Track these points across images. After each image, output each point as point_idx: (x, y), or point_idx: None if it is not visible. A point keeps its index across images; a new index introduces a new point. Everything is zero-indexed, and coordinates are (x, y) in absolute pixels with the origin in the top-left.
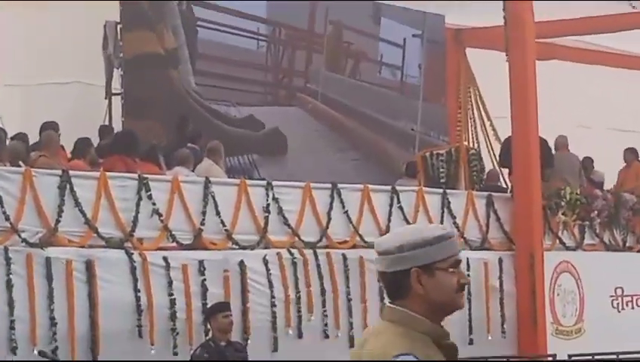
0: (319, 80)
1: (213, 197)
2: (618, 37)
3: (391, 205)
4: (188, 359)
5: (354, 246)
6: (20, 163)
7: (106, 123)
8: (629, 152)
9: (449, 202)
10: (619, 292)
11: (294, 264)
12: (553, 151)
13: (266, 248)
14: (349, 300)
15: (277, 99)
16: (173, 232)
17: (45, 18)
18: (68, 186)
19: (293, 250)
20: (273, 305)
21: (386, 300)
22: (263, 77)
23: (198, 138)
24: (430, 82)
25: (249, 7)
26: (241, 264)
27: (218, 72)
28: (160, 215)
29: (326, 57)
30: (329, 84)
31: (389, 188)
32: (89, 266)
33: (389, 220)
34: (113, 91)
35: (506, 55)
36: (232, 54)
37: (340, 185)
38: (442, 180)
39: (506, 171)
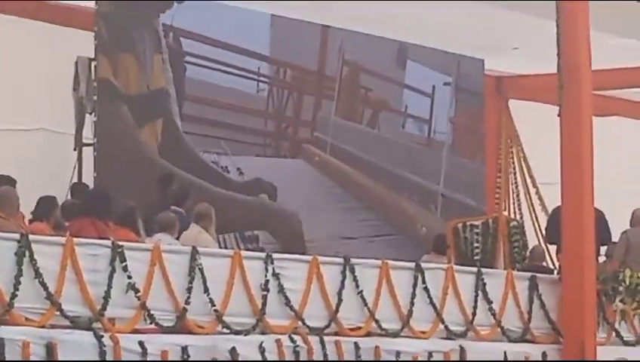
0: (329, 128)
1: (202, 271)
2: None
3: (414, 286)
4: None
5: (369, 334)
6: None
7: (75, 178)
8: None
9: (484, 284)
10: None
11: (296, 353)
12: (628, 226)
13: (263, 333)
14: None
15: (278, 151)
16: (152, 312)
17: (7, 52)
18: (27, 253)
19: (295, 337)
20: None
21: None
22: (263, 126)
23: (185, 199)
24: (463, 139)
25: (249, 42)
26: (233, 352)
27: (209, 117)
28: (137, 291)
29: (339, 105)
30: (340, 133)
31: (412, 265)
32: (50, 350)
33: (412, 303)
34: (84, 141)
35: (559, 109)
36: (227, 97)
37: (353, 261)
38: (477, 257)
39: (553, 248)
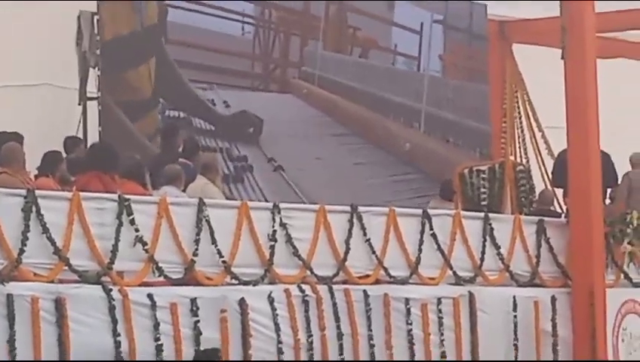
0: (316, 62)
1: (209, 223)
2: None
3: (422, 232)
4: None
5: (377, 282)
6: None
7: (81, 133)
8: None
9: (492, 229)
10: None
11: (306, 302)
12: (629, 168)
13: (271, 283)
14: (372, 346)
15: (267, 89)
16: (160, 264)
17: (8, 9)
18: (34, 209)
19: (304, 286)
20: (280, 352)
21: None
22: (250, 68)
23: (193, 151)
24: (454, 75)
25: None
26: (242, 302)
27: (194, 61)
28: (144, 243)
29: (326, 43)
30: (328, 65)
31: (419, 211)
32: (59, 305)
33: (420, 250)
34: (88, 95)
35: (562, 52)
36: (212, 40)
37: (360, 209)
38: (484, 202)
39: (560, 192)
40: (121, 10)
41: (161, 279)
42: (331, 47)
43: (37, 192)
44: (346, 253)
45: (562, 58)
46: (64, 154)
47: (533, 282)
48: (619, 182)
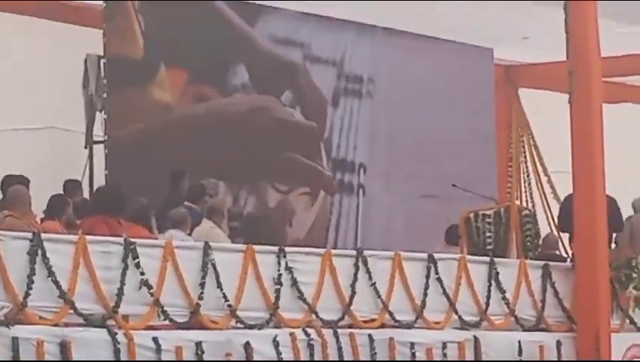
0: None
1: (214, 266)
2: None
3: (427, 276)
4: None
5: (383, 326)
6: None
7: (87, 176)
8: None
9: (497, 273)
10: None
11: (311, 346)
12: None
13: (276, 327)
14: None
15: None
16: (165, 308)
17: (16, 51)
18: (39, 252)
19: (309, 330)
20: None
21: None
22: None
23: (200, 197)
24: None
25: None
26: (247, 346)
27: None
28: (150, 287)
29: None
30: None
31: (425, 256)
32: (64, 348)
33: (425, 294)
34: (95, 139)
35: (569, 97)
36: None
37: (366, 253)
38: (489, 247)
39: (566, 236)
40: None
41: (167, 322)
42: None
43: (43, 235)
44: (352, 296)
45: (569, 102)
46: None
47: (538, 326)
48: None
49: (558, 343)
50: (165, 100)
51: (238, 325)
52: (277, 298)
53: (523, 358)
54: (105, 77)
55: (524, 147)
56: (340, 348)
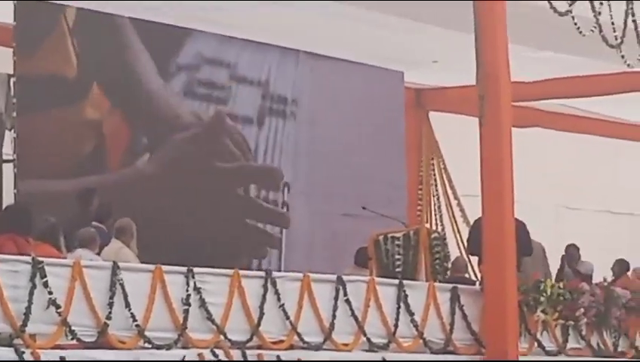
0: None
1: (122, 286)
2: (611, 101)
3: (336, 298)
4: None
5: (291, 347)
6: None
7: None
8: (618, 265)
9: (406, 295)
10: None
11: None
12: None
13: (184, 348)
14: None
15: None
16: (73, 327)
17: None
18: None
19: (217, 351)
20: None
21: None
22: None
23: (108, 216)
24: None
25: None
26: None
27: None
28: (58, 306)
29: None
30: None
31: (333, 277)
32: None
33: (334, 316)
34: (4, 158)
35: (479, 120)
36: None
37: (275, 274)
38: (398, 269)
39: (475, 259)
40: None
41: (74, 342)
42: None
43: None
44: (260, 317)
45: (479, 126)
46: None
47: (446, 349)
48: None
49: None
50: (97, 118)
51: (146, 345)
52: (185, 318)
53: None
54: (14, 96)
55: (434, 170)
56: None
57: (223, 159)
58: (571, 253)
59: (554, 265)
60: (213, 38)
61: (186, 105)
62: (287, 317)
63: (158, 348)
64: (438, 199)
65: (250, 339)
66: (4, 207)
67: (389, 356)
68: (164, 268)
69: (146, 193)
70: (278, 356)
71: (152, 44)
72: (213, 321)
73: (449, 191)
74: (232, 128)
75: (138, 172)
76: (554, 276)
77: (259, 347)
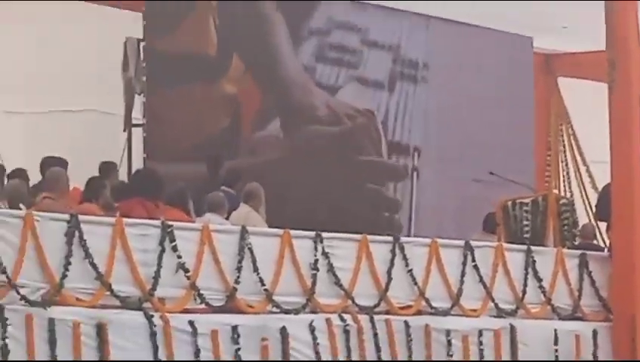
0: None
1: (251, 251)
2: None
3: (464, 263)
4: None
5: (419, 313)
6: (20, 205)
7: (125, 159)
8: None
9: (534, 261)
10: None
11: (347, 332)
12: None
13: (312, 312)
14: None
15: None
16: (201, 291)
17: (55, 33)
18: (77, 234)
19: (345, 316)
20: None
21: None
22: None
23: (236, 181)
24: None
25: None
26: (283, 331)
27: None
28: (187, 270)
29: None
30: None
31: (461, 243)
32: (100, 330)
33: (462, 281)
34: (134, 122)
35: (608, 87)
36: None
37: (403, 239)
38: (526, 235)
39: (603, 226)
40: None
41: (203, 306)
42: None
43: (80, 217)
44: (388, 283)
45: (608, 92)
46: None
47: (574, 316)
48: None
49: (595, 332)
50: (234, 93)
51: (275, 310)
52: (313, 283)
53: (559, 347)
54: (144, 60)
55: (562, 136)
56: (375, 334)
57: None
58: None
59: None
60: (345, 4)
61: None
62: (415, 283)
63: (287, 312)
64: (566, 165)
65: (378, 304)
66: (133, 171)
67: (517, 322)
68: (293, 232)
69: (277, 162)
70: (405, 321)
71: (286, 10)
72: (341, 286)
73: (578, 158)
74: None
75: (269, 139)
76: None
77: (386, 312)
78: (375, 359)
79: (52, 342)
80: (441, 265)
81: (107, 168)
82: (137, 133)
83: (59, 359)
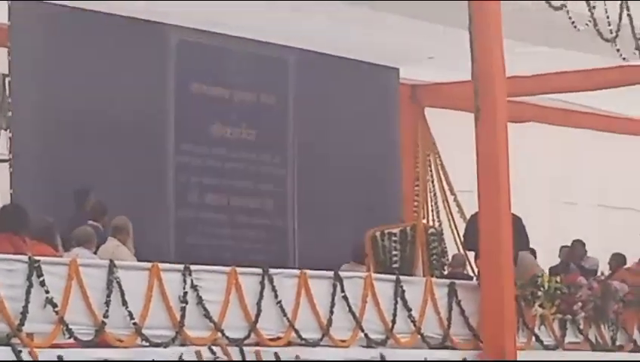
0: None
1: (119, 284)
2: (606, 95)
3: (333, 294)
4: None
5: (289, 344)
6: None
7: None
8: (615, 259)
9: (403, 291)
10: None
11: None
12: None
13: (182, 345)
14: None
15: None
16: (70, 326)
17: None
18: None
19: (215, 348)
20: None
21: None
22: None
23: (103, 214)
24: None
25: None
26: None
27: None
28: (55, 305)
29: None
30: None
31: (330, 274)
32: None
33: (332, 312)
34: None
35: (475, 116)
36: None
37: (272, 271)
38: (395, 265)
39: (472, 255)
40: None
41: (72, 341)
42: None
43: None
44: (258, 314)
45: (475, 121)
46: None
47: (444, 344)
48: (530, 245)
49: (464, 361)
50: None
51: (144, 343)
52: (183, 316)
53: None
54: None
55: (430, 166)
56: None
57: None
58: (577, 249)
59: (552, 260)
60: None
61: None
62: (285, 314)
63: (156, 346)
64: (434, 195)
65: (248, 336)
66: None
67: (387, 352)
68: (161, 265)
69: None
70: (275, 353)
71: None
72: (210, 319)
73: (445, 187)
74: None
75: None
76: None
77: (256, 344)
78: None
79: None
80: (311, 296)
81: None
82: (3, 169)
83: None
